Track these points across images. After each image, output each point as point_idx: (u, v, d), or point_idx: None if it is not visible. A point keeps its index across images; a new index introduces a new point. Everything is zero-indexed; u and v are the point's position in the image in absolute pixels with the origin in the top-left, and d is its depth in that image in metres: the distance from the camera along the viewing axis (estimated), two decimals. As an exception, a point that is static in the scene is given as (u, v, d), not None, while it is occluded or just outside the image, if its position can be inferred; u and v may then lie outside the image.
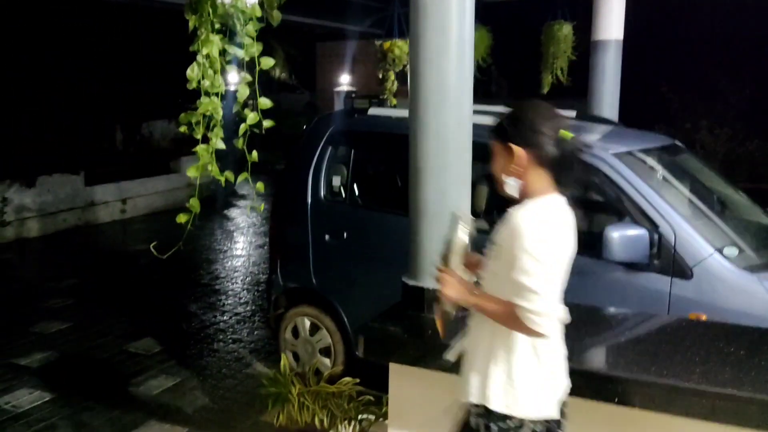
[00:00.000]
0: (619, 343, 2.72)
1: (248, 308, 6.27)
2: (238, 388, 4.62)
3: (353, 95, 16.39)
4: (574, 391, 2.33)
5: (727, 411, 2.17)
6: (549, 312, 1.83)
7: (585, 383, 2.33)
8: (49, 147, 9.96)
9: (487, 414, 1.98)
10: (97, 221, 10.09)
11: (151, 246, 3.19)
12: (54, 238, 9.28)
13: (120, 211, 10.49)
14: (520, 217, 1.89)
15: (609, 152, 3.67)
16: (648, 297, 3.38)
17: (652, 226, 3.39)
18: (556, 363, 2.01)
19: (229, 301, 6.45)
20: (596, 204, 4.36)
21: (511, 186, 2.00)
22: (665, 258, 3.35)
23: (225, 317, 6.03)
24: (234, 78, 3.44)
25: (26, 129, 9.77)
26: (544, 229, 1.86)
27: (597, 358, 2.59)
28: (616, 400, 2.28)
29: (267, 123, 3.39)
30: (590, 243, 3.80)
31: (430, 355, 2.64)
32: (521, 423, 1.95)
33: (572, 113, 4.78)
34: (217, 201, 10.83)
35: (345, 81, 17.28)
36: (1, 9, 9.70)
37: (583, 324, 2.82)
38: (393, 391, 2.89)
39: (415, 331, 2.78)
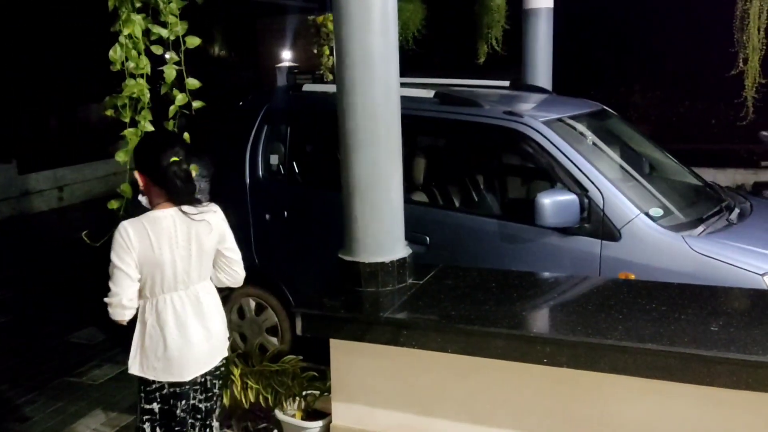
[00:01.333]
0: (549, 305, 2.81)
1: (194, 291, 6.21)
2: (185, 372, 4.60)
3: (295, 71, 16.13)
4: (507, 355, 2.41)
5: (648, 365, 2.27)
6: (119, 305, 2.38)
7: (516, 346, 2.42)
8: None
9: (137, 380, 2.54)
10: (33, 210, 9.77)
11: (83, 234, 3.13)
12: (-12, 229, 8.97)
13: (57, 199, 10.17)
14: (117, 228, 2.38)
15: (539, 120, 3.74)
16: (580, 260, 3.48)
17: (582, 190, 3.49)
18: (178, 339, 2.47)
19: (174, 285, 6.37)
20: (530, 172, 4.46)
21: (143, 201, 2.51)
22: (595, 221, 3.45)
23: (170, 302, 5.95)
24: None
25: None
26: (123, 240, 2.34)
27: (525, 321, 2.67)
28: (545, 360, 2.37)
29: (196, 104, 3.34)
30: (523, 210, 3.90)
31: (368, 329, 2.69)
32: (155, 384, 2.49)
33: (506, 83, 4.85)
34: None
35: (287, 57, 16.97)
36: None
37: (515, 289, 2.90)
38: (335, 366, 2.93)
39: (353, 306, 2.82)
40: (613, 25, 10.53)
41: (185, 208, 2.44)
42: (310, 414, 3.35)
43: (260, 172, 4.56)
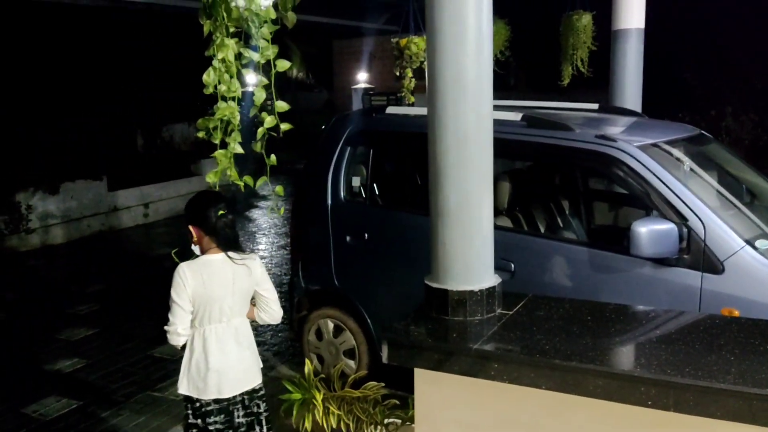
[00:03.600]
0: (649, 342, 2.64)
1: (271, 310, 6.26)
2: (263, 392, 4.61)
3: (371, 93, 16.28)
4: (607, 395, 2.28)
5: (766, 412, 2.09)
6: (175, 333, 2.87)
7: (618, 385, 2.27)
8: (72, 153, 10.05)
9: (184, 399, 2.97)
10: (121, 226, 10.17)
11: (172, 252, 3.19)
12: (79, 244, 9.38)
13: (143, 215, 10.56)
14: (177, 270, 2.86)
15: (633, 145, 3.58)
16: (678, 293, 3.29)
17: (681, 219, 3.31)
18: (219, 362, 2.92)
19: (253, 304, 6.45)
20: (622, 198, 4.28)
21: (196, 250, 2.98)
22: (695, 252, 3.26)
23: (248, 320, 6.02)
24: (252, 80, 3.42)
25: (48, 136, 9.85)
26: (181, 280, 2.83)
27: (627, 359, 2.52)
28: (649, 403, 2.21)
29: (284, 126, 3.35)
30: (615, 238, 3.73)
31: (457, 360, 2.59)
32: (198, 402, 2.93)
33: (594, 106, 4.70)
34: (237, 203, 10.86)
35: (362, 78, 17.16)
36: (20, 17, 9.79)
37: (612, 323, 2.75)
38: (419, 396, 2.83)
39: (439, 335, 2.73)
40: (703, 44, 10.10)
41: (230, 254, 2.93)
42: (391, 443, 3.27)
43: (342, 195, 4.57)
